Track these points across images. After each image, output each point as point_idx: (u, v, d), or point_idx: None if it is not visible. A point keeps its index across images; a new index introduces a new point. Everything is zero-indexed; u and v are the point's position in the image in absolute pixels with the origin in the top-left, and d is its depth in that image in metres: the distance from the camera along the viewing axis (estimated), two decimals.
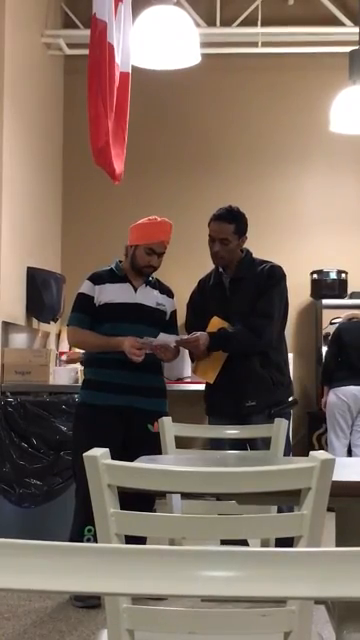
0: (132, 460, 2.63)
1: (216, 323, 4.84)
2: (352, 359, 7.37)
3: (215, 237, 4.87)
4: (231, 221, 4.86)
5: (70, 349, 7.15)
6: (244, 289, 4.89)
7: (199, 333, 4.77)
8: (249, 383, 4.81)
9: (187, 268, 8.50)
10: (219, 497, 3.24)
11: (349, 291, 8.58)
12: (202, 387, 8.05)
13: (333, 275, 8.56)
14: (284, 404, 4.93)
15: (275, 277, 4.92)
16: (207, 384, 4.99)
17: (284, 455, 4.51)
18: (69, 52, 8.49)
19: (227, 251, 4.87)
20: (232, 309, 4.87)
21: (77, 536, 4.73)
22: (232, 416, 4.72)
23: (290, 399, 5.06)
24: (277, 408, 4.82)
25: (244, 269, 4.93)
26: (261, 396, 4.81)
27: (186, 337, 4.81)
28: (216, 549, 1.16)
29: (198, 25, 7.82)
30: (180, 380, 8.15)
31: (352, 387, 7.38)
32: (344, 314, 8.20)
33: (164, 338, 4.83)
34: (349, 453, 7.41)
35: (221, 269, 4.96)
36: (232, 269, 4.94)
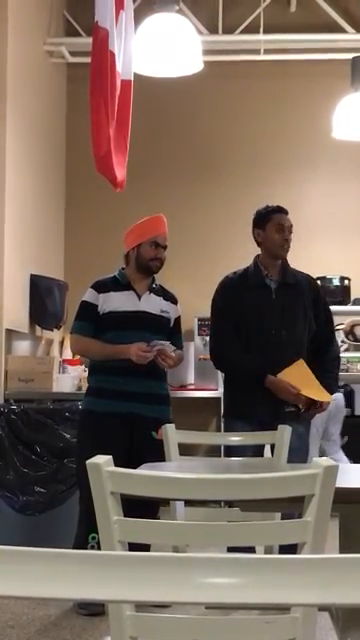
0: (136, 467, 2.63)
1: (295, 372, 4.75)
2: None
3: (286, 225, 4.94)
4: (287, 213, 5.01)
5: (73, 357, 7.15)
6: (293, 296, 4.89)
7: (325, 404, 4.84)
8: None
9: (191, 275, 8.51)
10: (223, 504, 3.24)
11: (352, 297, 8.57)
12: (206, 394, 8.05)
13: (336, 281, 8.55)
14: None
15: (324, 295, 5.15)
16: (232, 387, 4.94)
17: (303, 461, 4.51)
18: (72, 60, 8.50)
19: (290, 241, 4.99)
20: (275, 312, 4.81)
21: (81, 543, 4.73)
22: (264, 420, 4.66)
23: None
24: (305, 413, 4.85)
25: (290, 275, 4.95)
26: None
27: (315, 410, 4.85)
28: (219, 556, 1.16)
29: (200, 32, 7.83)
30: (184, 387, 8.16)
31: None
32: (347, 320, 8.20)
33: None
34: None
35: (265, 271, 4.91)
36: (275, 272, 4.93)
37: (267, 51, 8.34)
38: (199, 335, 8.23)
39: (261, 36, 8.23)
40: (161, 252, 5.00)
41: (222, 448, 6.28)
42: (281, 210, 4.97)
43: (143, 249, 4.97)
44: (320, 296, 5.07)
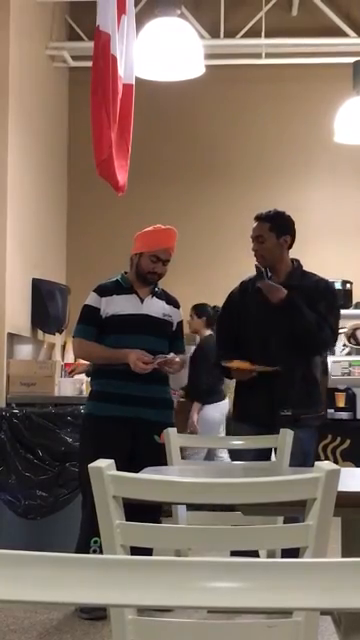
0: (138, 471, 2.63)
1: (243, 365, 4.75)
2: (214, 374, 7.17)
3: (252, 236, 4.91)
4: (267, 219, 4.89)
5: (75, 361, 7.15)
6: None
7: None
8: (289, 393, 4.74)
9: (193, 279, 8.51)
10: (225, 508, 3.23)
11: (354, 301, 8.58)
12: None
13: (338, 285, 8.53)
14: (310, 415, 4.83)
15: (336, 294, 5.05)
16: (242, 392, 4.91)
17: (308, 466, 4.48)
18: (74, 64, 8.52)
19: (265, 249, 4.84)
20: (272, 314, 4.75)
21: (83, 548, 4.73)
22: (265, 424, 4.62)
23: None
24: (305, 416, 4.75)
25: (295, 279, 4.86)
26: (297, 407, 4.74)
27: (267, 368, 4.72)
28: (221, 560, 1.16)
29: (202, 37, 7.83)
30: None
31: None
32: (349, 324, 8.19)
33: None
34: None
35: (270, 273, 4.84)
36: (280, 276, 4.86)
37: (268, 55, 8.35)
38: None
39: (262, 40, 8.24)
40: (159, 267, 4.98)
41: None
42: (255, 218, 4.95)
43: (143, 260, 4.96)
44: (327, 297, 4.91)
